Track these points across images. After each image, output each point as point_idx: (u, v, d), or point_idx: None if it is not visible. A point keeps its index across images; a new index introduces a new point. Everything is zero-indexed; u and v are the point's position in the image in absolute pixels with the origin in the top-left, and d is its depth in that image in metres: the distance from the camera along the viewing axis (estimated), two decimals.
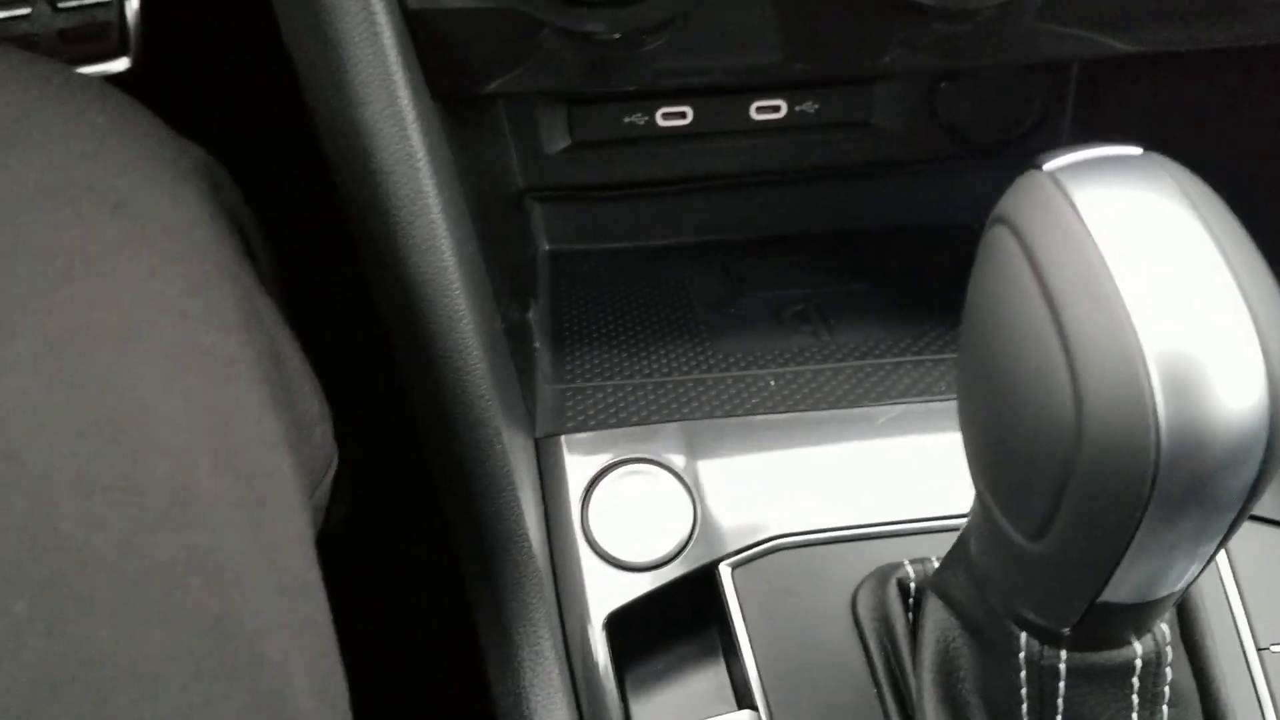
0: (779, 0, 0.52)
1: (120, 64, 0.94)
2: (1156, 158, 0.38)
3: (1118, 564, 0.38)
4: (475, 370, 0.55)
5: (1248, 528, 0.62)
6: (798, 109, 0.80)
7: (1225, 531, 0.38)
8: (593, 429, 0.65)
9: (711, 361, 0.71)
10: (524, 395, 0.64)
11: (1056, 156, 0.39)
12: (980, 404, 0.40)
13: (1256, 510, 0.62)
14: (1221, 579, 0.60)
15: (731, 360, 0.72)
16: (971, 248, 0.40)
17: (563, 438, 0.64)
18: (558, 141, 0.81)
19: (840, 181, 0.84)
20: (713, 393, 0.68)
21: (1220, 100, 0.70)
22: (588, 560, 0.60)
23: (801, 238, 0.84)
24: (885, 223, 0.84)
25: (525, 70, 0.54)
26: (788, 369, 0.70)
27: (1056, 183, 0.38)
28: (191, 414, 0.38)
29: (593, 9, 0.50)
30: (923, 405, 0.66)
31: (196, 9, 1.01)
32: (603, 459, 0.62)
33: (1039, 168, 0.39)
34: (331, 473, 0.50)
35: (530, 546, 0.58)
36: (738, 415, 0.66)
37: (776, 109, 0.80)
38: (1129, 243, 0.36)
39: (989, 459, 0.41)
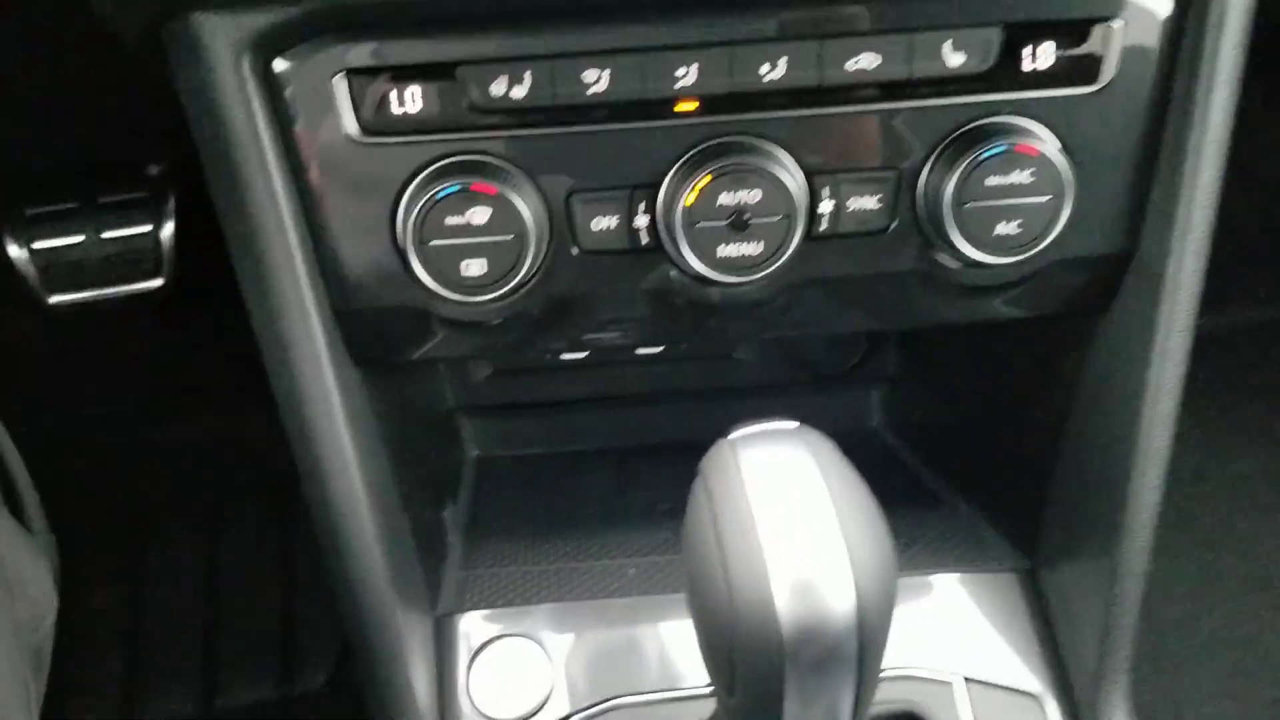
0: (598, 298, 0.72)
1: (155, 283, 1.13)
2: (804, 430, 0.57)
3: (781, 713, 0.55)
4: (377, 572, 0.73)
5: (992, 693, 0.78)
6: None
7: (856, 690, 0.55)
8: (484, 608, 0.83)
9: (589, 552, 0.90)
10: (428, 581, 0.82)
11: (742, 429, 0.58)
12: (690, 600, 0.58)
13: (999, 680, 0.79)
14: None
15: (605, 551, 0.90)
16: None
17: (459, 616, 0.82)
18: (482, 370, 1.02)
19: (708, 401, 1.03)
20: (585, 578, 0.86)
21: (981, 352, 0.90)
22: (469, 716, 0.77)
23: (678, 446, 1.03)
24: None
25: (428, 346, 0.74)
26: (650, 558, 0.88)
27: (733, 448, 0.56)
28: None
29: (469, 305, 0.71)
30: None
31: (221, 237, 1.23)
32: (487, 633, 0.80)
33: (727, 437, 0.58)
34: (52, 616, 0.67)
35: (418, 709, 0.75)
36: (599, 598, 0.84)
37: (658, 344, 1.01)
38: (770, 493, 0.53)
39: (699, 640, 0.58)
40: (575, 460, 1.04)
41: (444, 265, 0.67)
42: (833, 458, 0.56)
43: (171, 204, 1.15)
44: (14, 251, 1.11)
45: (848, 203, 0.70)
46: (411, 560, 0.79)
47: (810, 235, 0.69)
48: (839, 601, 0.52)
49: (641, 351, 1.01)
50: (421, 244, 0.66)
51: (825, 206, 0.69)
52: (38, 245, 1.12)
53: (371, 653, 0.75)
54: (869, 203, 0.70)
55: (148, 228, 1.15)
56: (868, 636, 0.52)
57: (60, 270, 1.13)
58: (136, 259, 1.16)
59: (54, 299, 1.14)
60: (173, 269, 1.16)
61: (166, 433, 1.57)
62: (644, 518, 0.94)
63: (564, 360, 1.01)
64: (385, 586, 0.74)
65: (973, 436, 0.95)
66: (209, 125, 0.65)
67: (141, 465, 1.54)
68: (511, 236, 0.66)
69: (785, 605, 0.51)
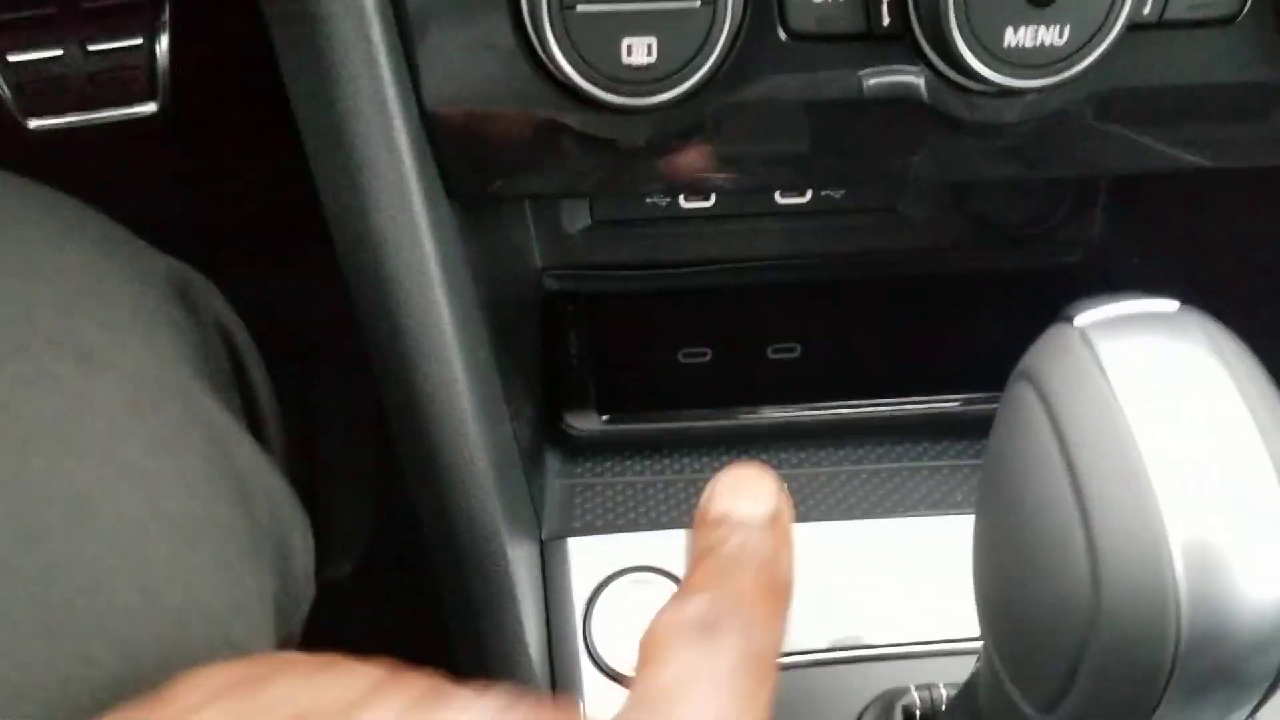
0: (807, 107, 0.51)
1: (149, 107, 0.94)
2: (1196, 315, 0.36)
3: None
4: (481, 484, 0.53)
5: None
6: (823, 193, 0.79)
7: (1251, 710, 0.36)
8: (600, 531, 0.63)
9: (721, 464, 0.70)
10: (531, 496, 0.63)
11: (1088, 308, 0.37)
12: (994, 564, 0.38)
13: None
14: None
15: (739, 443, 0.70)
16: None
17: (569, 541, 0.62)
18: (578, 220, 0.80)
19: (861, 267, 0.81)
20: None
21: (1247, 216, 0.68)
22: (588, 673, 0.58)
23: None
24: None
25: (544, 174, 0.53)
26: (802, 470, 0.69)
27: (1086, 340, 0.36)
28: (147, 591, 0.37)
29: (616, 115, 0.49)
30: (939, 518, 0.64)
31: (224, 54, 1.02)
32: (609, 566, 0.61)
33: (1069, 320, 0.37)
34: (307, 604, 0.49)
35: (530, 663, 0.56)
36: None
37: (802, 193, 0.79)
38: (1160, 413, 0.34)
39: (1000, 622, 0.39)
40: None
41: (595, 46, 0.45)
42: (1245, 361, 0.35)
43: (166, 13, 0.95)
44: None
45: None
46: (515, 464, 0.59)
47: (1134, 22, 0.47)
48: (1269, 587, 0.32)
49: (783, 200, 0.79)
50: (564, 9, 0.44)
51: None
52: (13, 59, 0.92)
53: (477, 580, 0.55)
54: None
55: (138, 40, 0.95)
56: None
57: (40, 89, 0.93)
58: (127, 78, 0.97)
59: (34, 124, 0.96)
60: (168, 92, 0.94)
61: None
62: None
63: (680, 210, 0.79)
64: (490, 494, 0.54)
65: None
66: None
67: None
68: (699, 4, 0.44)
69: (1190, 588, 0.32)
